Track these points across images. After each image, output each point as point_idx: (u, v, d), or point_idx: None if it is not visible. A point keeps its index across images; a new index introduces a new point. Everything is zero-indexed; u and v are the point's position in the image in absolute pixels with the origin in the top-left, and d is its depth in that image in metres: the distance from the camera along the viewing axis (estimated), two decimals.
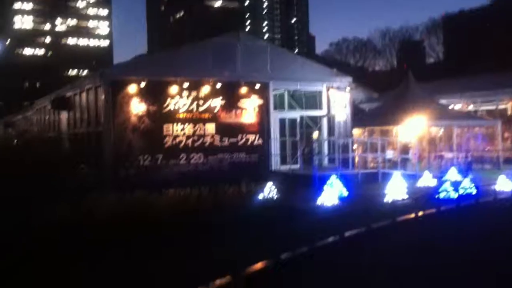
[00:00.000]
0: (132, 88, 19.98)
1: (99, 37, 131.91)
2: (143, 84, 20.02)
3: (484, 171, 22.91)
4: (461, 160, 24.43)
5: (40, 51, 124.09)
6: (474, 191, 16.49)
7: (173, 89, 20.76)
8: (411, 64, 51.43)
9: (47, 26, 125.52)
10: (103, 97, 20.11)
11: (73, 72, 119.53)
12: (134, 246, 10.14)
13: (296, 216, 13.22)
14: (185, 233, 11.07)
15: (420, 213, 13.12)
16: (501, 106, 31.81)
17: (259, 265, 8.30)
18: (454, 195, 15.86)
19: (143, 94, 20.15)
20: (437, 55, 79.55)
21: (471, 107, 32.66)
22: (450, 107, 29.94)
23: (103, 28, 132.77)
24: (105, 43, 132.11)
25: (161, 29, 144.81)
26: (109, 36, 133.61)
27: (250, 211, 14.10)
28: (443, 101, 29.54)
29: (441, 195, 15.85)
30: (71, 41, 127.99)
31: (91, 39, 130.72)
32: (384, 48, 79.76)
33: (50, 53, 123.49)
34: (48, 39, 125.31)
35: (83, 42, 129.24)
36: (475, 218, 13.02)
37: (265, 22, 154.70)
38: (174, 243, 10.43)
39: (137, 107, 20.11)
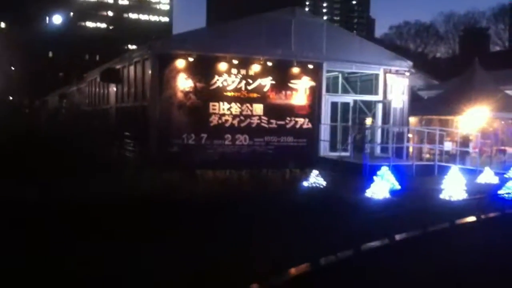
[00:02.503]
0: (179, 63, 19.29)
1: (160, 13, 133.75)
2: (191, 59, 19.29)
3: None
4: None
5: (102, 25, 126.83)
6: None
7: (222, 65, 19.94)
8: (475, 51, 48.63)
9: (110, 0, 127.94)
10: (150, 70, 19.54)
11: (132, 47, 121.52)
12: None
13: (342, 209, 12.23)
14: (209, 217, 10.34)
15: (483, 216, 11.82)
16: None
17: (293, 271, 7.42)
18: None
19: (191, 70, 19.43)
20: (503, 43, 75.46)
21: None
22: None
23: (164, 4, 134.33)
24: (165, 19, 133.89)
25: (221, 6, 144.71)
26: (169, 12, 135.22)
27: (292, 199, 13.26)
28: (509, 92, 27.54)
29: (505, 195, 14.48)
30: (133, 16, 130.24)
31: (152, 15, 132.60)
32: (447, 34, 76.40)
33: (111, 27, 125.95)
34: (110, 13, 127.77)
35: (144, 17, 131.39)
36: None
37: (325, 3, 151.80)
38: (195, 228, 9.69)
39: (184, 83, 19.43)
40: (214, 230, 9.67)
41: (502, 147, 24.17)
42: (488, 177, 17.78)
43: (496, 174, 18.02)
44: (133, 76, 21.82)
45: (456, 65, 48.08)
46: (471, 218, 11.61)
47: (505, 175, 18.19)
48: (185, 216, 10.37)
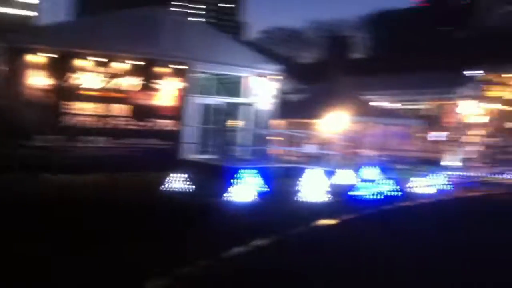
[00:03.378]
0: (35, 58, 17.86)
1: (25, 6, 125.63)
2: (49, 54, 17.95)
3: (404, 172, 22.61)
4: (380, 159, 24.14)
5: None
6: (394, 193, 15.93)
7: (84, 62, 18.79)
8: (339, 58, 51.33)
9: None
10: (3, 65, 17.86)
11: None
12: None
13: (202, 213, 11.98)
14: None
15: (339, 218, 12.19)
16: (424, 106, 32.17)
17: None
18: (374, 195, 15.24)
19: (48, 66, 18.07)
20: (365, 51, 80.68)
21: (394, 105, 32.85)
22: (374, 104, 29.75)
23: None
24: (33, 13, 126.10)
25: (88, 3, 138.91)
26: (36, 7, 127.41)
27: (152, 204, 12.74)
28: (367, 97, 29.30)
29: (361, 195, 15.16)
30: None
31: (17, 9, 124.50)
32: (314, 40, 79.87)
33: None
34: None
35: (8, 10, 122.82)
36: (396, 223, 12.29)
37: (197, 5, 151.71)
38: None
39: (39, 80, 18.02)
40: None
41: (360, 150, 25.56)
42: (346, 178, 18.58)
43: (355, 175, 18.88)
44: None
45: (323, 70, 50.20)
46: (327, 220, 11.90)
47: (361, 177, 19.13)
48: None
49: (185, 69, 20.96)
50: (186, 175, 15.21)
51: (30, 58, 17.81)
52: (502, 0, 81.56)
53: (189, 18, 26.03)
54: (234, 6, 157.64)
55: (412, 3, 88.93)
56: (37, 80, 18.02)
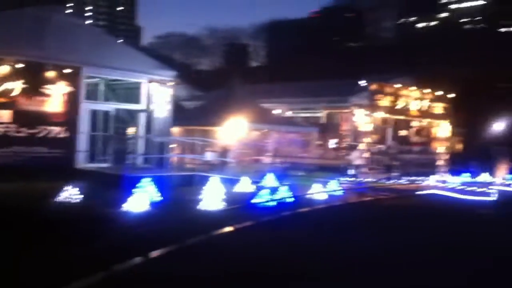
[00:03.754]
0: None
1: None
2: None
3: (300, 178, 23.00)
4: (279, 166, 24.41)
5: None
6: (291, 199, 16.06)
7: None
8: (236, 66, 51.73)
9: None
10: None
11: None
12: None
13: (97, 225, 11.27)
14: None
15: (237, 226, 11.99)
16: (317, 114, 33.14)
17: None
18: (272, 202, 15.24)
19: None
20: (261, 60, 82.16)
21: (290, 113, 33.53)
22: (272, 112, 30.14)
23: None
24: None
25: None
26: None
27: (40, 216, 11.80)
28: (265, 105, 29.60)
29: (260, 203, 15.11)
30: None
31: None
32: (211, 47, 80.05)
33: None
34: None
35: None
36: (292, 230, 12.32)
37: (90, 7, 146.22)
38: None
39: None
40: None
41: (259, 157, 25.71)
42: (245, 186, 18.50)
43: (253, 183, 18.86)
44: None
45: (220, 77, 50.32)
46: (227, 228, 11.67)
47: (260, 184, 19.18)
48: None
49: (76, 74, 19.90)
50: (80, 185, 14.31)
51: None
52: (390, 14, 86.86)
53: (81, 21, 24.74)
54: (128, 9, 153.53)
55: (310, 13, 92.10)
56: None
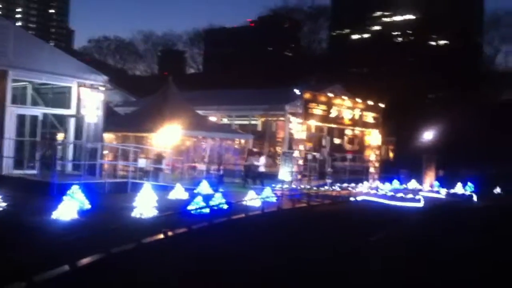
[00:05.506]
0: None
1: None
2: None
3: (234, 185, 23.01)
4: (213, 173, 24.31)
5: None
6: (225, 206, 16.00)
7: None
8: (172, 72, 51.17)
9: None
10: None
11: None
12: None
13: (22, 234, 10.77)
14: None
15: (170, 233, 11.78)
16: (253, 122, 33.32)
17: None
18: (206, 210, 15.12)
19: None
20: (197, 66, 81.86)
21: (226, 120, 33.52)
22: (207, 119, 30.00)
23: None
24: None
25: None
26: None
27: None
28: (200, 112, 29.43)
29: (193, 210, 14.94)
30: None
31: None
32: (146, 52, 78.97)
33: None
34: None
35: None
36: (226, 238, 12.27)
37: (20, 9, 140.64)
38: None
39: None
40: None
41: (193, 164, 25.49)
42: (179, 193, 18.25)
43: (187, 190, 18.65)
44: None
45: (155, 83, 49.64)
46: (158, 236, 11.45)
47: (194, 191, 19.00)
48: None
49: (2, 77, 19.02)
50: (5, 192, 13.64)
51: None
52: (324, 25, 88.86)
53: (7, 22, 23.72)
54: (60, 12, 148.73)
55: (247, 22, 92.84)
56: None
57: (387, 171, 30.30)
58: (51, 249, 9.70)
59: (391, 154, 41.06)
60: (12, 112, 19.61)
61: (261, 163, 24.27)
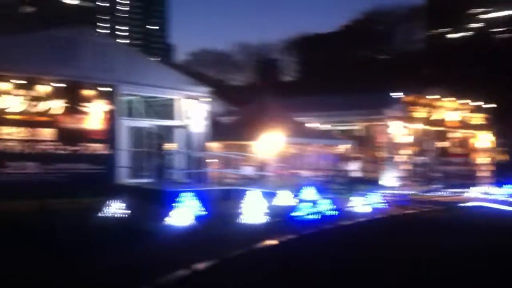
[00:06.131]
0: None
1: None
2: None
3: (336, 191, 22.74)
4: (316, 179, 24.18)
5: None
6: (333, 212, 15.86)
7: (5, 85, 17.66)
8: (269, 80, 51.85)
9: None
10: None
11: None
12: None
13: (140, 239, 11.33)
14: None
15: (279, 239, 11.85)
16: (352, 127, 32.82)
17: None
18: (313, 216, 15.08)
19: None
20: (293, 73, 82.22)
21: (325, 126, 33.28)
22: (306, 125, 29.97)
23: None
24: None
25: (9, 23, 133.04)
26: None
27: (85, 231, 11.93)
28: (299, 119, 29.47)
29: (301, 216, 14.95)
30: None
31: None
32: (243, 63, 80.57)
33: None
34: None
35: None
36: (337, 243, 12.12)
37: (125, 27, 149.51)
38: None
39: None
40: None
41: (296, 170, 25.54)
42: (284, 199, 18.37)
43: (293, 196, 18.71)
44: None
45: (253, 92, 50.46)
46: (270, 241, 11.55)
47: (299, 197, 19.00)
48: None
49: (111, 92, 20.20)
50: (121, 200, 14.46)
51: None
52: (419, 25, 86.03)
53: (115, 41, 25.20)
54: (160, 28, 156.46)
55: (340, 27, 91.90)
56: None
57: (500, 175, 28.60)
58: (168, 253, 10.12)
59: (504, 157, 38.72)
60: (124, 124, 20.76)
61: (355, 168, 23.73)
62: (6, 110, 17.76)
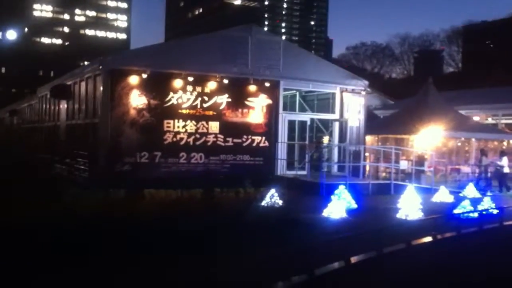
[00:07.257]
0: (132, 79, 18.69)
1: (117, 29, 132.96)
2: (144, 75, 18.75)
3: (500, 189, 21.30)
4: (479, 176, 22.87)
5: (57, 41, 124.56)
6: (495, 211, 15.02)
7: (177, 82, 19.48)
8: (429, 72, 49.62)
9: (66, 16, 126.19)
10: (101, 86, 18.86)
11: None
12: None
13: (299, 229, 11.89)
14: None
15: (439, 236, 11.63)
16: None
17: None
18: (474, 214, 14.44)
19: (144, 86, 18.86)
20: (456, 65, 77.65)
21: (490, 120, 31.19)
22: (469, 119, 28.38)
23: (121, 21, 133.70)
24: (123, 36, 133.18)
25: (179, 25, 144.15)
26: (127, 29, 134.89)
27: (247, 219, 12.77)
28: (461, 112, 28.01)
29: (460, 214, 14.42)
30: (89, 32, 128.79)
31: (109, 32, 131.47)
32: (402, 55, 78.12)
33: (67, 43, 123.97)
34: (66, 29, 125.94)
35: (101, 34, 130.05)
36: (501, 243, 11.56)
37: (284, 24, 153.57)
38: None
39: (137, 100, 18.82)
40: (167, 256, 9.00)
41: (457, 166, 24.43)
42: (443, 196, 17.78)
43: (451, 193, 18.05)
44: (84, 92, 21.08)
45: (411, 85, 48.85)
46: (428, 238, 11.40)
47: (460, 194, 18.28)
48: (132, 240, 9.72)
49: (273, 87, 21.17)
50: (281, 191, 15.25)
51: (130, 79, 18.66)
52: None
53: (277, 38, 26.22)
54: (319, 24, 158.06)
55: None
56: (138, 100, 18.84)
57: None
58: (325, 245, 10.46)
59: None
60: (284, 118, 21.66)
61: (504, 163, 21.72)
62: (179, 105, 19.54)
